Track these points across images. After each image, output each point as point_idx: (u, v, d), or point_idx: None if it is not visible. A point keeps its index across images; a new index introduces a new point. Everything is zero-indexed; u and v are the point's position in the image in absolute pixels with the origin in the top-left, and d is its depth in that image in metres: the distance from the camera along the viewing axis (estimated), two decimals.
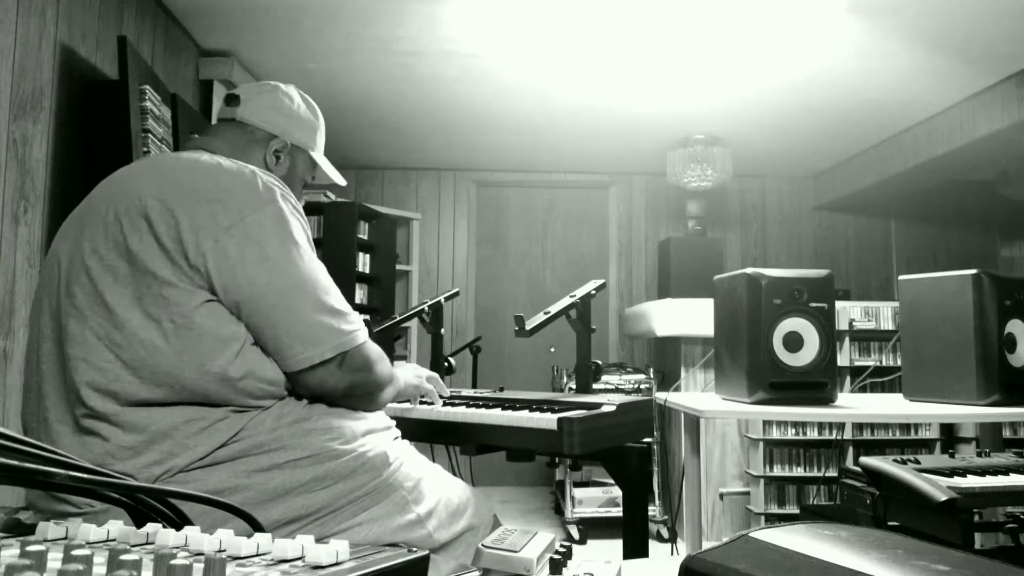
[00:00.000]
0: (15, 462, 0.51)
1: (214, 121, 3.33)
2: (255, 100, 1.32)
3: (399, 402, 1.60)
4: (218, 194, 1.06)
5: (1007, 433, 3.51)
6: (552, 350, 5.22)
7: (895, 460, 1.66)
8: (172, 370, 1.00)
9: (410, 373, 1.50)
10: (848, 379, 3.68)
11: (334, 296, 1.13)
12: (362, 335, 1.14)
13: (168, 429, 1.00)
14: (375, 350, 1.18)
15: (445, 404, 1.60)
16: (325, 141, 1.46)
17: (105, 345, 1.01)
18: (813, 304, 1.91)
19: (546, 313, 1.86)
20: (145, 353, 1.00)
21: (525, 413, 1.46)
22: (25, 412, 1.09)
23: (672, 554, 3.09)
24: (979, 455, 1.79)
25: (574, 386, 2.93)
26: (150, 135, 2.44)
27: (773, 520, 3.61)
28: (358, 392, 1.16)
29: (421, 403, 1.62)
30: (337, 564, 0.50)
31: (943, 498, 1.45)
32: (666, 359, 4.22)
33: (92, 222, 1.08)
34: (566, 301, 1.91)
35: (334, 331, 1.10)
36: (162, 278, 1.02)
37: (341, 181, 1.51)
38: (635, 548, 1.65)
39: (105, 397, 1.00)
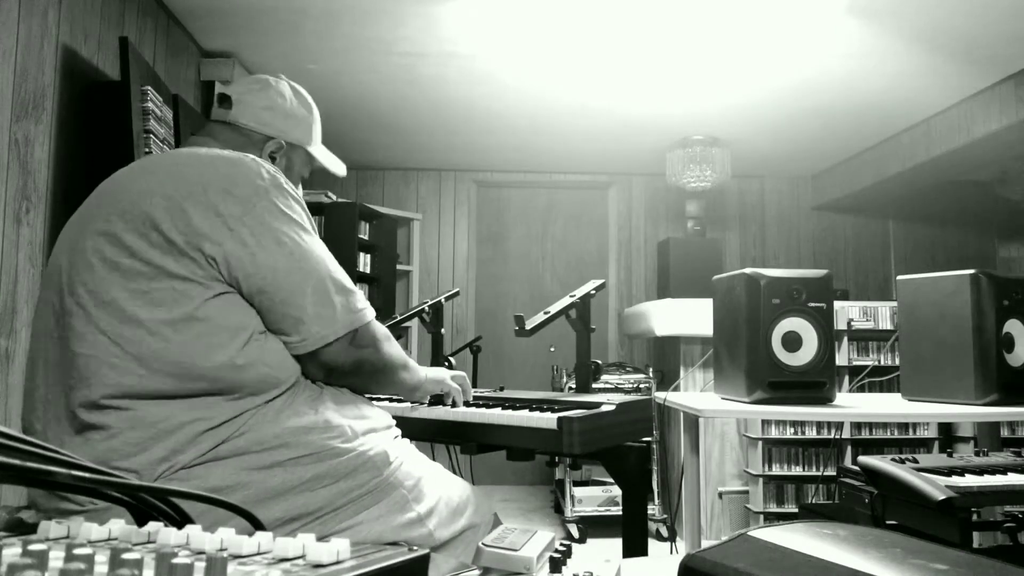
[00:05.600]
0: (17, 461, 0.51)
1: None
2: (248, 101, 1.31)
3: (417, 401, 1.58)
4: (224, 184, 1.08)
5: (1005, 432, 3.51)
6: (552, 350, 5.23)
7: (893, 459, 1.67)
8: (182, 360, 1.01)
9: (435, 371, 1.48)
10: (846, 378, 3.68)
11: (342, 275, 1.16)
12: (370, 313, 1.18)
13: (174, 427, 1.00)
14: (382, 329, 1.22)
15: (444, 404, 1.59)
16: (327, 142, 1.47)
17: (112, 340, 1.01)
18: (812, 304, 1.92)
19: (546, 313, 1.87)
20: (155, 345, 1.01)
21: (525, 412, 1.47)
22: (27, 411, 1.09)
23: (671, 553, 3.09)
24: (977, 454, 1.79)
25: (574, 385, 2.93)
26: (152, 136, 2.45)
27: (772, 519, 3.62)
28: (366, 369, 1.19)
29: (430, 403, 1.60)
30: (338, 563, 0.51)
31: (941, 497, 1.45)
32: (665, 359, 4.23)
33: (95, 222, 1.09)
34: (566, 301, 1.91)
35: (345, 309, 1.13)
36: (172, 273, 1.03)
37: (340, 171, 1.51)
38: (634, 547, 1.65)
39: (113, 392, 1.00)
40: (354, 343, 1.15)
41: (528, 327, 1.79)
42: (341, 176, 1.54)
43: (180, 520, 0.61)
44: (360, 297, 1.17)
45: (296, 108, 1.37)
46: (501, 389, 1.95)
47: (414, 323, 4.54)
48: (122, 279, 1.03)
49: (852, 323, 3.76)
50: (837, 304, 3.52)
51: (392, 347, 1.23)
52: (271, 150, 1.33)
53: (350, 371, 1.17)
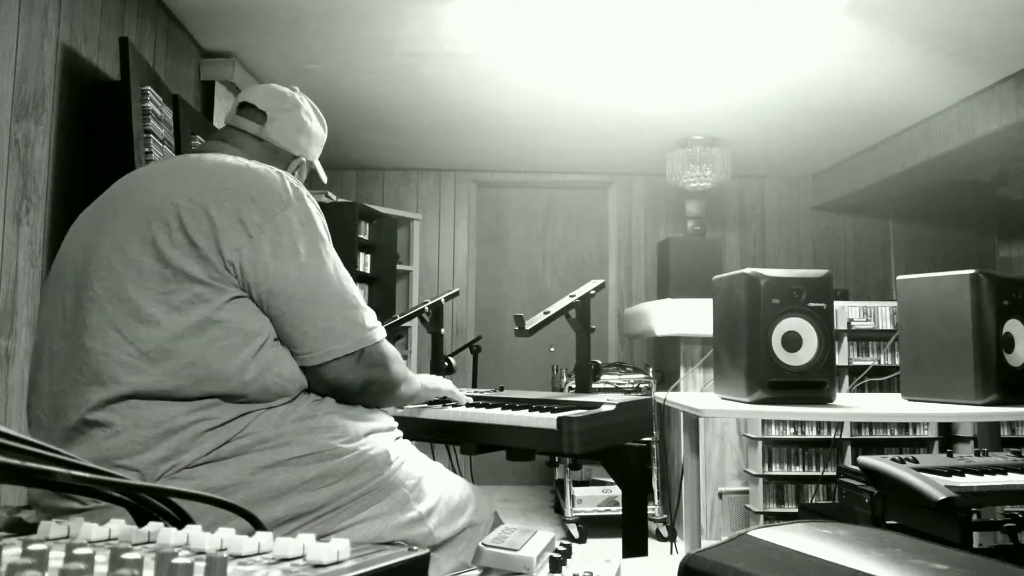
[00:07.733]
0: (17, 461, 0.51)
1: (216, 123, 3.30)
2: (281, 120, 1.35)
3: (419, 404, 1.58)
4: (249, 193, 1.09)
5: (1005, 432, 3.51)
6: (552, 350, 5.23)
7: (893, 459, 1.67)
8: (195, 362, 1.01)
9: (430, 379, 1.50)
10: (846, 378, 3.68)
11: (355, 293, 1.17)
12: (380, 333, 1.18)
13: (178, 427, 1.00)
14: (391, 349, 1.22)
15: (445, 404, 1.60)
16: (326, 142, 1.49)
17: (126, 338, 1.02)
18: (812, 304, 1.92)
19: (546, 313, 1.87)
20: (170, 346, 1.01)
21: (525, 412, 1.46)
22: (32, 404, 1.09)
23: (671, 553, 3.09)
24: (977, 454, 1.80)
25: (574, 385, 2.93)
26: (152, 136, 2.45)
27: (772, 519, 3.62)
28: (373, 388, 1.19)
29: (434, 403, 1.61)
30: (338, 563, 0.51)
31: (941, 497, 1.45)
32: (665, 359, 4.23)
33: (114, 219, 1.09)
34: (566, 301, 1.91)
35: (356, 326, 1.14)
36: (193, 276, 1.03)
37: (323, 178, 1.54)
38: (634, 547, 1.65)
39: (122, 391, 1.00)
40: (362, 361, 1.15)
41: (528, 327, 1.79)
42: (323, 183, 1.55)
43: (180, 520, 0.61)
44: (371, 316, 1.18)
45: (318, 129, 1.43)
46: (501, 389, 1.95)
47: (414, 323, 4.54)
48: (142, 278, 1.03)
49: (852, 323, 3.76)
50: (837, 304, 3.52)
51: (399, 366, 1.24)
52: (294, 168, 1.38)
53: (359, 390, 1.17)
